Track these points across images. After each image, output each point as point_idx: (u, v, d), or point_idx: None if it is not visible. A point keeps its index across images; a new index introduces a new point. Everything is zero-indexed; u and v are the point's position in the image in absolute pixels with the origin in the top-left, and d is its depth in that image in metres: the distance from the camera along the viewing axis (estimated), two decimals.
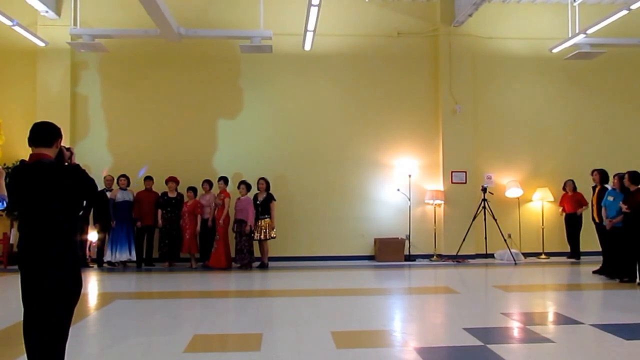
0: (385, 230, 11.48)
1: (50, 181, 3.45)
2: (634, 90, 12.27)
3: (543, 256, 11.59)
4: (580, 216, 11.13)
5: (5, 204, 4.61)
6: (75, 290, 3.58)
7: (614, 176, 9.08)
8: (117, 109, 11.37)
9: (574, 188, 11.30)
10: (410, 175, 11.47)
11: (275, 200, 10.44)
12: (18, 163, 4.10)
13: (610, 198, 8.89)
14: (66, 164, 3.66)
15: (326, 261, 11.19)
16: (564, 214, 11.44)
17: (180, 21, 10.11)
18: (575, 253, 11.32)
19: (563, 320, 6.18)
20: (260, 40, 9.79)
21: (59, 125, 3.67)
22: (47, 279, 3.43)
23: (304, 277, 9.73)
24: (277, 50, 10.62)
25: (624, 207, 8.34)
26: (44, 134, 3.58)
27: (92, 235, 10.47)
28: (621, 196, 8.65)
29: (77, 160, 3.77)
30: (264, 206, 10.30)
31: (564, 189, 11.42)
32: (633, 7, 9.20)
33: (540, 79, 12.12)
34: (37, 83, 11.07)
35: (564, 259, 11.44)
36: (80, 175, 3.58)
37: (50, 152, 3.56)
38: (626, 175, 8.58)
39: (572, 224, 11.27)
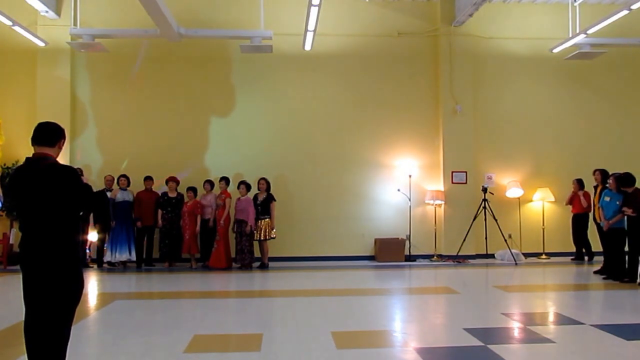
0: (386, 230, 11.48)
1: (48, 182, 3.44)
2: (635, 90, 12.26)
3: (544, 256, 11.57)
4: (587, 216, 10.84)
5: (1, 204, 4.62)
6: (76, 290, 3.57)
7: (610, 176, 9.07)
8: (117, 109, 11.36)
9: (582, 187, 10.94)
10: (410, 175, 11.47)
11: (275, 200, 10.43)
12: (18, 163, 4.10)
13: (607, 198, 8.88)
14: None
15: (326, 261, 11.18)
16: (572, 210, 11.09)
17: (180, 21, 10.11)
18: (580, 254, 11.12)
19: (563, 320, 6.17)
20: (260, 40, 9.78)
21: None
22: (48, 279, 3.43)
23: (304, 277, 9.73)
24: (277, 50, 10.62)
25: (629, 211, 8.31)
26: (47, 133, 3.59)
27: (92, 235, 10.46)
28: (617, 196, 8.64)
29: (79, 162, 3.77)
30: (264, 206, 10.30)
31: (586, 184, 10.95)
32: (633, 7, 9.20)
33: (540, 79, 12.11)
34: (37, 83, 11.06)
35: (564, 259, 11.40)
36: (75, 182, 3.51)
37: (53, 152, 3.57)
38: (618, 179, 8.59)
39: (579, 224, 10.96)
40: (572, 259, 11.27)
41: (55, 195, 3.44)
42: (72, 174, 3.54)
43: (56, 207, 3.45)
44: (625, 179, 8.49)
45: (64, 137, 3.68)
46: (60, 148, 3.65)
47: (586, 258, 11.07)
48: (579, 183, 11.01)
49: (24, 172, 3.53)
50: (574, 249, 11.29)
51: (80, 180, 3.59)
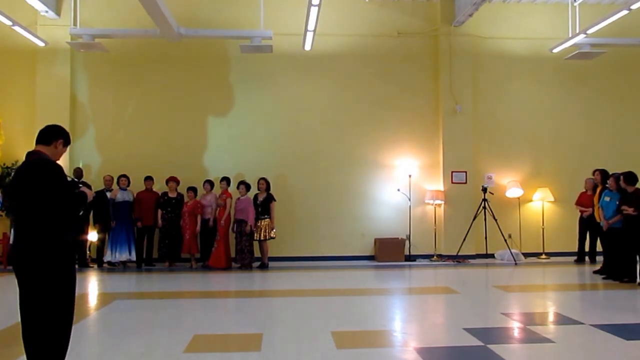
0: (386, 230, 11.48)
1: (27, 176, 3.47)
2: (635, 90, 12.26)
3: (543, 256, 11.57)
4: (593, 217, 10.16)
5: (1, 204, 4.62)
6: (67, 290, 3.56)
7: (609, 176, 9.07)
8: (117, 109, 11.37)
9: (594, 187, 10.30)
10: (410, 175, 11.47)
11: (275, 200, 10.43)
12: (18, 162, 4.16)
13: (607, 198, 8.89)
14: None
15: (326, 261, 11.18)
16: (585, 214, 10.59)
17: (180, 21, 10.11)
18: (582, 255, 10.87)
19: (563, 320, 6.17)
20: (260, 40, 9.78)
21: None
22: (38, 279, 3.43)
23: (304, 277, 9.73)
24: (277, 50, 10.61)
25: (630, 210, 8.30)
26: (44, 133, 3.67)
27: (92, 235, 10.46)
28: (617, 196, 8.64)
29: (79, 164, 3.83)
30: (264, 206, 10.30)
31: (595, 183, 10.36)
32: (633, 7, 9.19)
33: (540, 79, 12.11)
34: (37, 83, 11.06)
35: (564, 259, 11.37)
36: (50, 178, 3.49)
37: (46, 150, 3.63)
38: (621, 177, 8.56)
39: (592, 226, 10.34)
40: (575, 261, 11.02)
41: (31, 189, 3.44)
42: (51, 169, 3.51)
43: (35, 202, 3.43)
44: (629, 176, 8.48)
45: (62, 137, 3.72)
46: (57, 148, 3.68)
47: (586, 258, 10.99)
48: (595, 183, 10.35)
49: (18, 171, 3.62)
50: (573, 249, 11.13)
51: (60, 177, 3.53)
